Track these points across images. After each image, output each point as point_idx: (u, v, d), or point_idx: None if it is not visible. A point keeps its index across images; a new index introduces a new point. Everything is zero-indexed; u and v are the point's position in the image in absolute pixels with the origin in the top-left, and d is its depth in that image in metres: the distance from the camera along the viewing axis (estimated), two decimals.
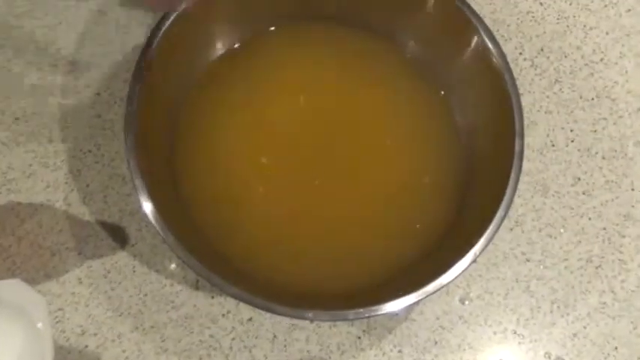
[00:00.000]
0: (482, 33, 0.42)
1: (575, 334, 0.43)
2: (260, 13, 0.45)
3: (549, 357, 0.42)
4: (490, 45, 0.41)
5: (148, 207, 0.36)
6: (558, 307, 0.43)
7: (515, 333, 0.42)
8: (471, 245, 0.38)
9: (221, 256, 0.41)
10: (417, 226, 0.44)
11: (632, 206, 0.45)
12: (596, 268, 0.44)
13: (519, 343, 0.42)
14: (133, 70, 0.38)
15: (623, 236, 0.44)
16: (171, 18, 0.39)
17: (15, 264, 0.42)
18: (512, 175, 0.39)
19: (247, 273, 0.41)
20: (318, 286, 0.42)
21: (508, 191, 0.39)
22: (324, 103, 0.46)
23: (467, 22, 0.42)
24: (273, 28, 0.46)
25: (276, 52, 0.46)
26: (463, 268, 0.37)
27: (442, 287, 0.36)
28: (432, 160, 0.45)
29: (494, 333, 0.42)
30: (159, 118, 0.42)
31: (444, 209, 0.44)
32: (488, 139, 0.44)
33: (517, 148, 0.40)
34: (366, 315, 0.37)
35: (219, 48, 0.45)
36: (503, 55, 0.41)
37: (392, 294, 0.37)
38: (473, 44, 0.43)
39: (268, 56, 0.46)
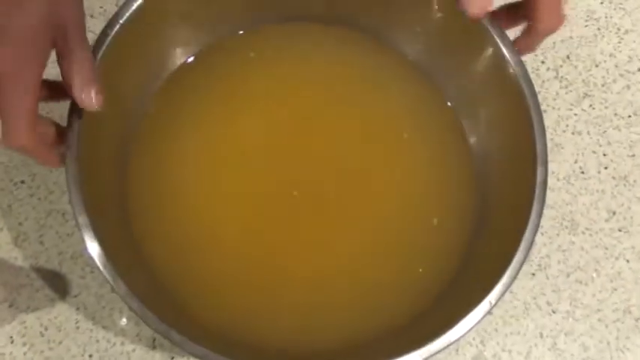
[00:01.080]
0: (497, 38, 0.36)
1: None
2: (227, 12, 0.38)
3: None
4: (506, 52, 0.35)
5: (94, 249, 0.30)
6: None
7: None
8: (485, 293, 0.32)
9: (182, 308, 0.35)
10: (420, 270, 0.37)
11: None
12: (636, 320, 0.37)
13: None
14: None
15: None
16: (116, 27, 0.33)
17: None
18: (534, 209, 0.34)
19: (213, 328, 0.35)
20: (297, 344, 0.36)
21: (529, 228, 0.33)
22: (303, 123, 0.39)
23: (479, 25, 0.35)
24: (241, 32, 0.39)
25: (243, 62, 0.40)
26: (475, 322, 0.31)
27: (450, 344, 0.31)
28: (437, 193, 0.38)
29: None
30: (107, 143, 0.35)
31: (452, 250, 0.38)
32: (505, 165, 0.38)
33: (539, 177, 0.34)
34: None
35: (174, 60, 0.38)
36: (521, 64, 0.35)
37: (389, 353, 0.32)
38: (486, 50, 0.37)
39: (232, 69, 0.39)
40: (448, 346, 0.30)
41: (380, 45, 0.41)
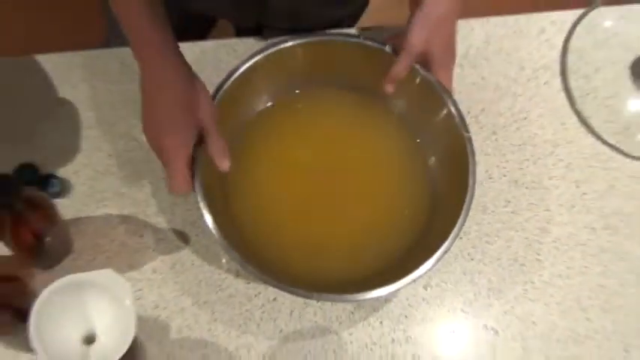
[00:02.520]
0: (450, 103, 0.58)
1: (505, 312, 0.60)
2: (289, 81, 0.63)
3: (487, 328, 0.59)
4: (453, 109, 0.58)
5: (208, 219, 0.53)
6: (493, 292, 0.60)
7: (462, 311, 0.60)
8: (436, 251, 0.53)
9: (256, 254, 0.57)
10: (397, 238, 0.60)
11: (547, 222, 0.63)
12: (521, 265, 0.62)
13: (465, 318, 0.60)
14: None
15: (541, 243, 0.62)
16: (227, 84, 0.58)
17: (108, 258, 0.59)
18: (467, 202, 0.55)
19: (274, 266, 0.57)
20: (326, 276, 0.58)
21: (463, 213, 0.55)
22: (332, 149, 0.64)
23: (439, 96, 0.59)
24: (298, 91, 0.64)
25: (298, 110, 0.65)
26: (429, 267, 0.53)
27: (415, 280, 0.52)
28: (407, 194, 0.62)
29: (448, 311, 0.60)
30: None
31: (415, 227, 0.60)
32: (449, 176, 0.61)
33: (470, 182, 0.56)
34: (359, 299, 0.53)
35: (259, 105, 0.64)
36: (461, 116, 0.58)
37: (379, 284, 0.53)
38: (440, 109, 0.60)
39: (290, 113, 0.64)
40: (413, 281, 0.52)
41: (375, 103, 0.64)
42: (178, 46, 0.54)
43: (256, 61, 0.59)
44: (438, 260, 0.53)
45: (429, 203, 0.61)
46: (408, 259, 0.57)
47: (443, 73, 0.60)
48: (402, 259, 0.58)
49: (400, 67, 0.59)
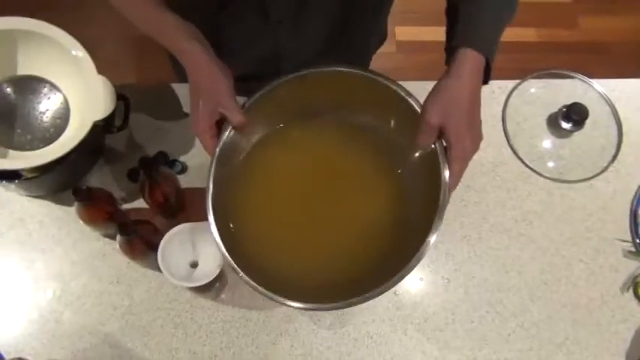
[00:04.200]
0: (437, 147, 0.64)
1: (455, 270, 0.93)
2: (276, 115, 0.72)
3: (443, 278, 0.92)
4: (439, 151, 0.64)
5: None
6: (449, 256, 0.94)
7: (428, 267, 0.93)
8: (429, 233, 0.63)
9: (252, 257, 0.68)
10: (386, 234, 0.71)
11: (486, 214, 0.97)
12: (468, 240, 0.95)
13: (430, 271, 0.92)
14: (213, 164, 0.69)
15: (481, 227, 0.96)
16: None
17: None
18: (440, 208, 0.63)
19: (270, 271, 0.68)
20: (322, 280, 0.68)
21: (437, 217, 0.63)
22: (320, 166, 0.74)
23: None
24: (281, 125, 0.74)
25: (290, 140, 0.75)
26: (432, 243, 0.64)
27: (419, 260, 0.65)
28: (387, 203, 0.73)
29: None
30: (231, 159, 0.71)
31: (396, 233, 0.70)
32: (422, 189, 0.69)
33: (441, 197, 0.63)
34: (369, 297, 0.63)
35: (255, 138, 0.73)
36: (442, 147, 0.64)
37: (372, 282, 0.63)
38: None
39: (283, 142, 0.74)
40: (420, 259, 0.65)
41: (362, 134, 0.72)
42: (192, 31, 0.65)
43: (256, 98, 0.68)
44: (420, 258, 0.63)
45: (403, 213, 0.71)
46: (399, 253, 0.65)
47: (455, 164, 0.61)
48: (392, 253, 0.68)
49: (419, 141, 0.63)
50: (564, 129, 0.98)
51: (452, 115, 0.61)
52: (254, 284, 0.64)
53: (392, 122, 0.72)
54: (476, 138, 0.63)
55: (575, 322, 0.91)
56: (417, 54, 1.80)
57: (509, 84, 1.04)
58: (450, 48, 0.64)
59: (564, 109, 0.98)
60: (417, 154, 0.69)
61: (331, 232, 0.73)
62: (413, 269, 0.63)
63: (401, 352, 0.87)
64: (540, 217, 0.96)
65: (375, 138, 0.73)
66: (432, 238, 0.63)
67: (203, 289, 0.85)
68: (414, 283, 0.92)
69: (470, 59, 0.62)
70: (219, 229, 0.66)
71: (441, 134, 0.63)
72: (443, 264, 0.93)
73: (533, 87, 1.03)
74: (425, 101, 0.64)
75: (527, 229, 0.96)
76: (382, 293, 0.63)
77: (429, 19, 1.89)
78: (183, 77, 0.68)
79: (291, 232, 0.73)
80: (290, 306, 0.64)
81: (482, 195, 0.98)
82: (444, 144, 0.64)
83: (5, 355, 0.83)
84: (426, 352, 0.88)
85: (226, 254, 0.65)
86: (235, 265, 0.64)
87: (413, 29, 1.95)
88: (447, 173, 0.63)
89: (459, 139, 0.61)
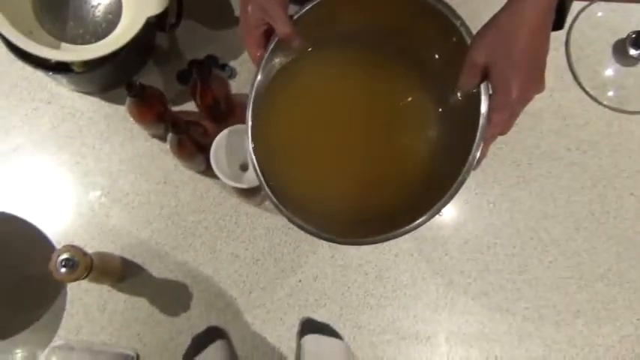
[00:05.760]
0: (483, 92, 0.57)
1: (501, 194, 0.91)
2: (323, 32, 0.65)
3: (490, 203, 0.91)
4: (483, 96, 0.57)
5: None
6: (496, 181, 0.92)
7: (473, 189, 0.91)
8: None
9: (284, 188, 0.65)
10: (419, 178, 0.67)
11: (539, 140, 0.94)
12: (517, 165, 0.93)
13: (475, 194, 0.91)
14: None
15: (532, 153, 0.93)
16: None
17: None
18: (476, 140, 0.57)
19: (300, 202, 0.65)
20: (352, 210, 0.66)
21: (470, 157, 0.58)
22: (362, 98, 0.69)
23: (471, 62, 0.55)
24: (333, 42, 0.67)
25: (333, 62, 0.70)
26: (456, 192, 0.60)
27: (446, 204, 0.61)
28: (423, 141, 0.69)
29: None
30: (269, 73, 0.67)
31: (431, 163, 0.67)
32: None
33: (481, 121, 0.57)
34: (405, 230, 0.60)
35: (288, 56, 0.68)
36: (487, 90, 0.57)
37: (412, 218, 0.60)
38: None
39: (326, 62, 0.70)
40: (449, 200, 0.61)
41: (400, 57, 0.67)
42: None
43: (305, 11, 0.62)
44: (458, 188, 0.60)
45: (437, 158, 0.67)
46: (430, 197, 0.61)
47: (495, 113, 0.54)
48: (424, 197, 0.63)
49: (460, 81, 0.56)
50: (631, 56, 0.93)
51: (500, 55, 0.52)
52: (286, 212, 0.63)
53: (439, 54, 0.66)
54: (528, 87, 0.53)
55: (618, 256, 0.90)
56: None
57: (576, 5, 0.98)
58: None
59: (633, 36, 0.92)
60: (459, 95, 0.63)
61: (360, 159, 0.70)
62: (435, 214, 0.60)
63: (440, 270, 0.88)
64: (595, 147, 0.94)
65: (421, 69, 0.68)
66: (447, 202, 0.59)
67: (249, 194, 0.85)
68: (459, 205, 0.91)
69: None
70: (255, 147, 0.63)
71: (486, 76, 0.55)
72: (490, 187, 0.92)
73: (601, 10, 0.97)
74: (474, 36, 0.56)
75: (580, 158, 0.93)
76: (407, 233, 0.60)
77: None
78: None
79: (322, 157, 0.70)
80: (324, 238, 0.62)
81: (537, 120, 0.95)
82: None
83: (57, 246, 0.86)
84: (464, 272, 0.88)
85: (262, 180, 0.63)
86: (270, 193, 0.63)
87: None
88: (482, 122, 0.57)
89: (504, 84, 0.53)
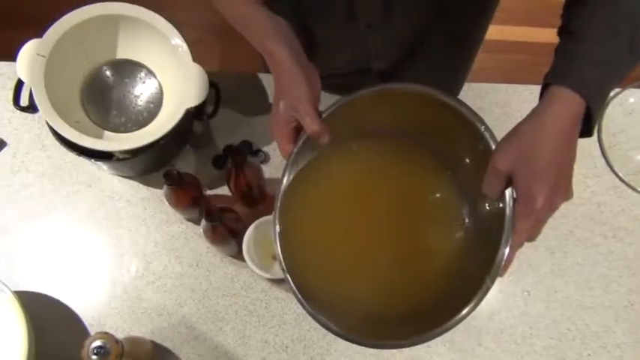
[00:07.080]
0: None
1: (536, 282, 0.89)
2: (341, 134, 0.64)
3: (525, 292, 0.89)
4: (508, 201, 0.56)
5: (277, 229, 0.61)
6: (530, 269, 0.90)
7: (507, 277, 0.90)
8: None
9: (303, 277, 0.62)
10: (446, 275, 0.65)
11: (574, 227, 0.92)
12: (551, 253, 0.91)
13: (509, 282, 0.89)
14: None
15: (567, 240, 0.92)
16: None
17: None
18: (501, 247, 0.56)
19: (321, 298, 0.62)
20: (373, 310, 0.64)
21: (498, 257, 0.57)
22: (388, 197, 0.69)
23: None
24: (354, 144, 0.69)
25: (356, 155, 0.70)
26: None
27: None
28: (449, 248, 0.68)
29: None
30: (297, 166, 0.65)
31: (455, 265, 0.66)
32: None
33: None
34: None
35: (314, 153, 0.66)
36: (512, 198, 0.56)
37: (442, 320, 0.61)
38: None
39: (349, 157, 0.70)
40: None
41: (427, 157, 0.67)
42: (283, 30, 0.63)
43: (332, 110, 0.62)
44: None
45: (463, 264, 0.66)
46: (455, 295, 0.63)
47: (519, 221, 0.53)
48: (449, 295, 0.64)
49: (484, 189, 0.56)
50: None
51: (523, 165, 0.51)
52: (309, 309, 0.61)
53: (466, 159, 0.66)
54: (554, 196, 0.52)
55: None
56: (502, 53, 1.74)
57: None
58: (544, 85, 0.55)
59: None
60: (486, 201, 0.62)
61: (386, 260, 0.69)
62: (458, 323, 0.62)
63: None
64: (631, 235, 0.92)
65: (452, 170, 0.68)
66: (473, 304, 0.61)
67: (280, 281, 0.86)
68: (492, 293, 0.89)
69: (561, 100, 0.51)
70: (282, 242, 0.62)
71: (510, 183, 0.54)
72: (524, 275, 0.90)
73: (633, 96, 0.97)
74: (498, 143, 0.55)
75: (617, 246, 0.91)
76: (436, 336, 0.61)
77: (517, 18, 1.83)
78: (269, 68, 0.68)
79: (348, 254, 0.69)
80: (350, 340, 0.62)
81: (571, 207, 0.94)
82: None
83: (89, 328, 0.87)
84: None
85: (289, 279, 0.61)
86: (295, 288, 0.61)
87: (497, 27, 1.89)
88: (507, 226, 0.57)
89: (528, 194, 0.52)
